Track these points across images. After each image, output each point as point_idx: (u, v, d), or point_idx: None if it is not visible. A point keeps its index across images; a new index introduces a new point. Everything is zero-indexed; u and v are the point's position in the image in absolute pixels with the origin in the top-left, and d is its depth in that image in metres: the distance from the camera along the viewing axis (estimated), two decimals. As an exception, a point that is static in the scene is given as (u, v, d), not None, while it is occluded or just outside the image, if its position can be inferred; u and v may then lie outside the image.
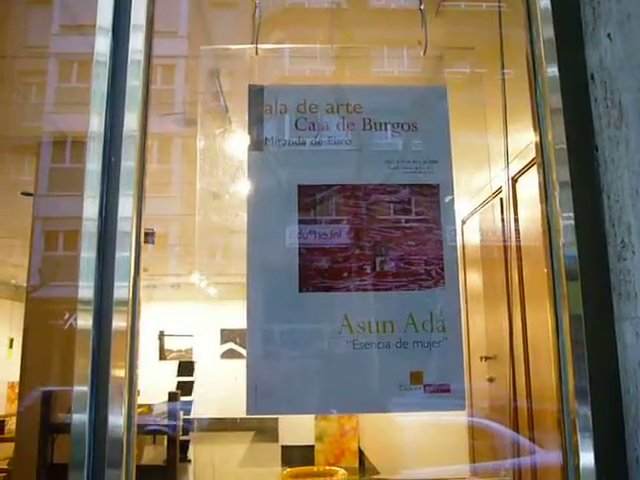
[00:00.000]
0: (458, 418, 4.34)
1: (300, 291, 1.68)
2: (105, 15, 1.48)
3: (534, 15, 1.60)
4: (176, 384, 10.25)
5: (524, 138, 2.11)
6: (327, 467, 2.69)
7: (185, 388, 10.08)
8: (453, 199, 1.73)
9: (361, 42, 3.59)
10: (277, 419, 11.99)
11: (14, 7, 4.27)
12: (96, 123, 1.37)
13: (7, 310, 10.35)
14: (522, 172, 3.29)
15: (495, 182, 3.51)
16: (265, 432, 10.91)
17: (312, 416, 9.40)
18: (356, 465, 9.23)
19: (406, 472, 5.72)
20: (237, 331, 13.45)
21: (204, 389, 10.71)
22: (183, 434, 9.67)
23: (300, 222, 1.71)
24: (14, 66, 4.83)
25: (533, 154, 1.63)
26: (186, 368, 10.53)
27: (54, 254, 5.33)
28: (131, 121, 1.40)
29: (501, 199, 3.60)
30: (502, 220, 3.50)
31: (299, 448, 9.33)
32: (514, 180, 3.40)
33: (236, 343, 13.39)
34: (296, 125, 1.81)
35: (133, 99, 1.43)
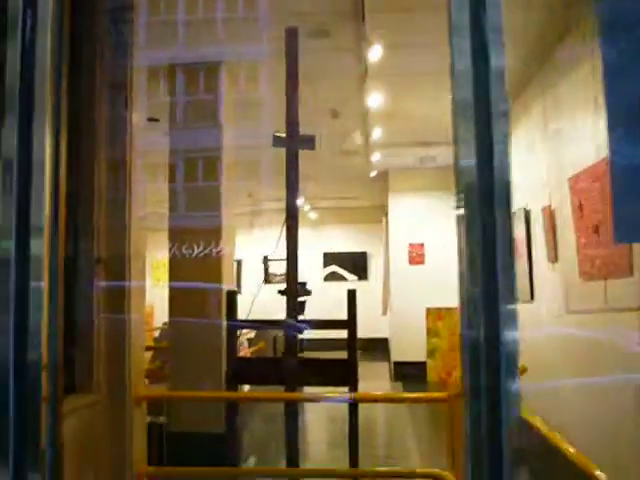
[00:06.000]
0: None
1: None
2: None
3: None
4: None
5: None
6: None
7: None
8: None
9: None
10: (387, 339, 12.25)
11: None
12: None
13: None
14: None
15: None
16: (372, 351, 11.18)
17: (424, 332, 9.57)
18: (469, 380, 9.38)
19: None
20: (338, 254, 13.65)
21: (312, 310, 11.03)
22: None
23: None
24: None
25: None
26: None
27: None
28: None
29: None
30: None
31: (411, 364, 9.55)
32: None
33: (338, 265, 13.62)
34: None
35: None
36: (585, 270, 4.31)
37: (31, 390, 1.15)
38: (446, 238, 9.65)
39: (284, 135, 3.45)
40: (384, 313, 10.86)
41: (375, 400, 4.00)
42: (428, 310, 9.60)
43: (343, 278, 13.50)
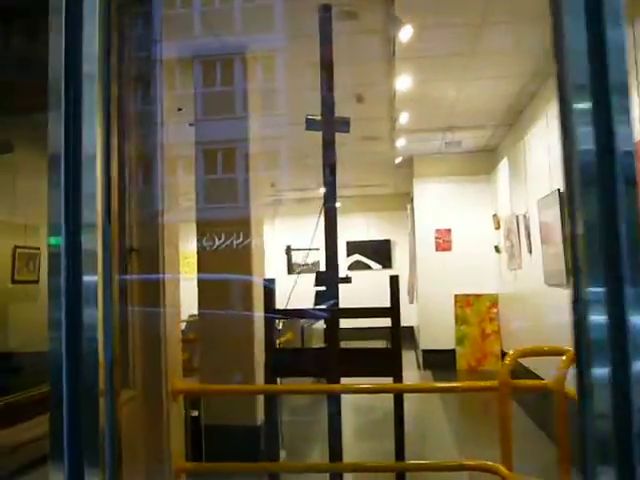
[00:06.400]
0: None
1: None
2: None
3: None
4: (314, 294, 10.49)
5: None
6: (558, 347, 2.61)
7: (323, 297, 10.27)
8: None
9: None
10: (412, 327, 12.13)
11: None
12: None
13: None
14: None
15: None
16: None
17: (452, 321, 9.43)
18: (499, 368, 9.23)
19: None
20: (362, 243, 13.52)
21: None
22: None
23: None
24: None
25: None
26: (322, 278, 10.69)
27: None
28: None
29: None
30: None
31: (439, 352, 9.42)
32: None
33: (361, 254, 13.48)
34: None
35: None
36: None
37: (87, 385, 1.08)
38: (473, 224, 9.50)
39: (318, 118, 3.34)
40: (411, 302, 10.72)
41: (424, 390, 3.89)
42: (456, 297, 9.46)
43: (367, 267, 13.36)
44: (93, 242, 1.08)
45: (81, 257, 1.07)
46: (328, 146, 3.19)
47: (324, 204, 3.22)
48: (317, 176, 12.16)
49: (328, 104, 3.20)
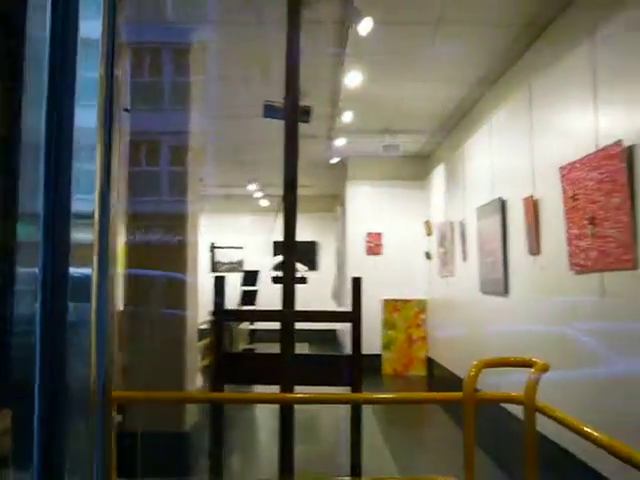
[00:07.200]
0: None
1: None
2: None
3: None
4: (241, 293, 10.20)
5: None
6: (525, 358, 2.49)
7: (249, 297, 10.02)
8: None
9: None
10: (335, 330, 12.01)
11: None
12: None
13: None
14: None
15: None
16: (322, 343, 10.90)
17: (379, 326, 9.36)
18: (424, 373, 9.25)
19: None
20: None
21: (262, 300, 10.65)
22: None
23: None
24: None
25: None
26: (250, 277, 10.44)
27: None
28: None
29: None
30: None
31: (365, 357, 9.31)
32: None
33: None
34: None
35: None
36: (577, 262, 4.14)
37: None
38: (404, 229, 9.48)
39: (278, 104, 3.10)
40: (338, 305, 10.61)
41: (386, 401, 3.70)
42: (385, 302, 9.40)
43: (292, 268, 13.16)
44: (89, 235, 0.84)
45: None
46: (291, 136, 2.94)
47: (284, 200, 2.98)
48: (248, 173, 11.86)
49: (294, 91, 2.96)
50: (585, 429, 2.19)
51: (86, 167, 0.84)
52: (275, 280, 2.99)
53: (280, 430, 2.78)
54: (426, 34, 5.02)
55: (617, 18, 3.64)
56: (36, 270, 0.80)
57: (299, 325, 3.30)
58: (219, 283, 2.85)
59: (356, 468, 2.75)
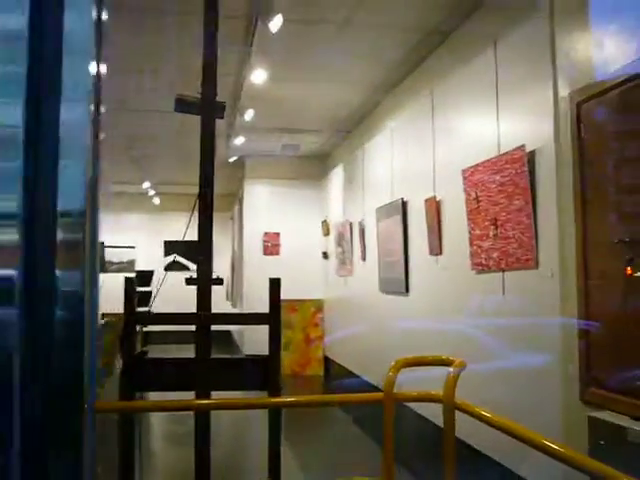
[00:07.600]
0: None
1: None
2: None
3: None
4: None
5: None
6: (443, 356, 2.54)
7: (144, 298, 9.61)
8: None
9: None
10: (230, 332, 11.84)
11: None
12: None
13: None
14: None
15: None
16: (218, 344, 10.70)
17: (278, 326, 9.31)
18: (321, 373, 9.31)
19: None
20: (180, 243, 12.95)
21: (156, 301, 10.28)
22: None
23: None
24: None
25: None
26: (144, 278, 10.04)
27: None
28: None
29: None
30: None
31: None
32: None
33: (180, 254, 12.93)
34: None
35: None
36: (479, 262, 4.29)
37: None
38: (302, 229, 9.48)
39: (191, 98, 2.96)
40: (234, 306, 10.46)
41: (304, 404, 3.63)
42: (282, 302, 9.35)
43: (186, 267, 12.83)
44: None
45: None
46: (207, 131, 2.82)
47: (199, 198, 2.85)
48: (141, 169, 11.34)
49: (211, 85, 2.84)
50: (504, 423, 2.25)
51: (73, 164, 0.78)
52: (188, 281, 2.87)
53: (196, 439, 2.66)
54: (331, 35, 5.01)
55: (518, 28, 3.80)
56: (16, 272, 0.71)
57: (190, 327, 3.14)
58: (130, 285, 2.69)
59: (275, 475, 2.68)
